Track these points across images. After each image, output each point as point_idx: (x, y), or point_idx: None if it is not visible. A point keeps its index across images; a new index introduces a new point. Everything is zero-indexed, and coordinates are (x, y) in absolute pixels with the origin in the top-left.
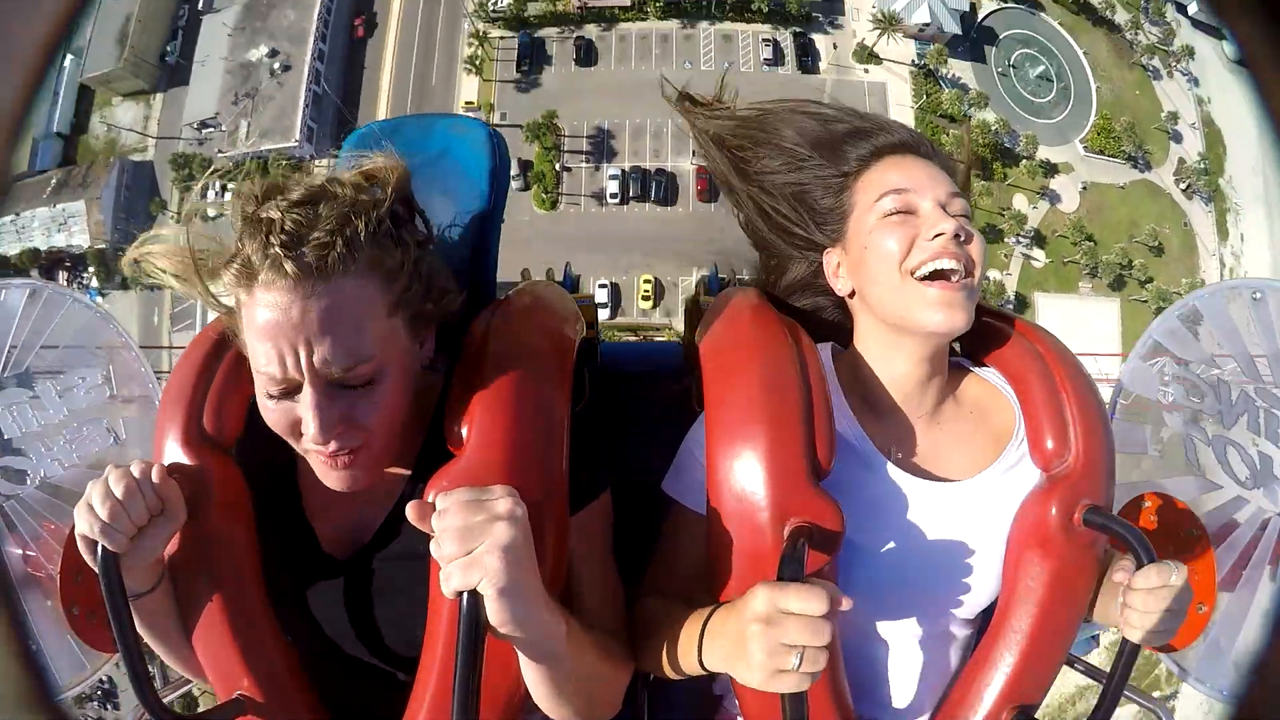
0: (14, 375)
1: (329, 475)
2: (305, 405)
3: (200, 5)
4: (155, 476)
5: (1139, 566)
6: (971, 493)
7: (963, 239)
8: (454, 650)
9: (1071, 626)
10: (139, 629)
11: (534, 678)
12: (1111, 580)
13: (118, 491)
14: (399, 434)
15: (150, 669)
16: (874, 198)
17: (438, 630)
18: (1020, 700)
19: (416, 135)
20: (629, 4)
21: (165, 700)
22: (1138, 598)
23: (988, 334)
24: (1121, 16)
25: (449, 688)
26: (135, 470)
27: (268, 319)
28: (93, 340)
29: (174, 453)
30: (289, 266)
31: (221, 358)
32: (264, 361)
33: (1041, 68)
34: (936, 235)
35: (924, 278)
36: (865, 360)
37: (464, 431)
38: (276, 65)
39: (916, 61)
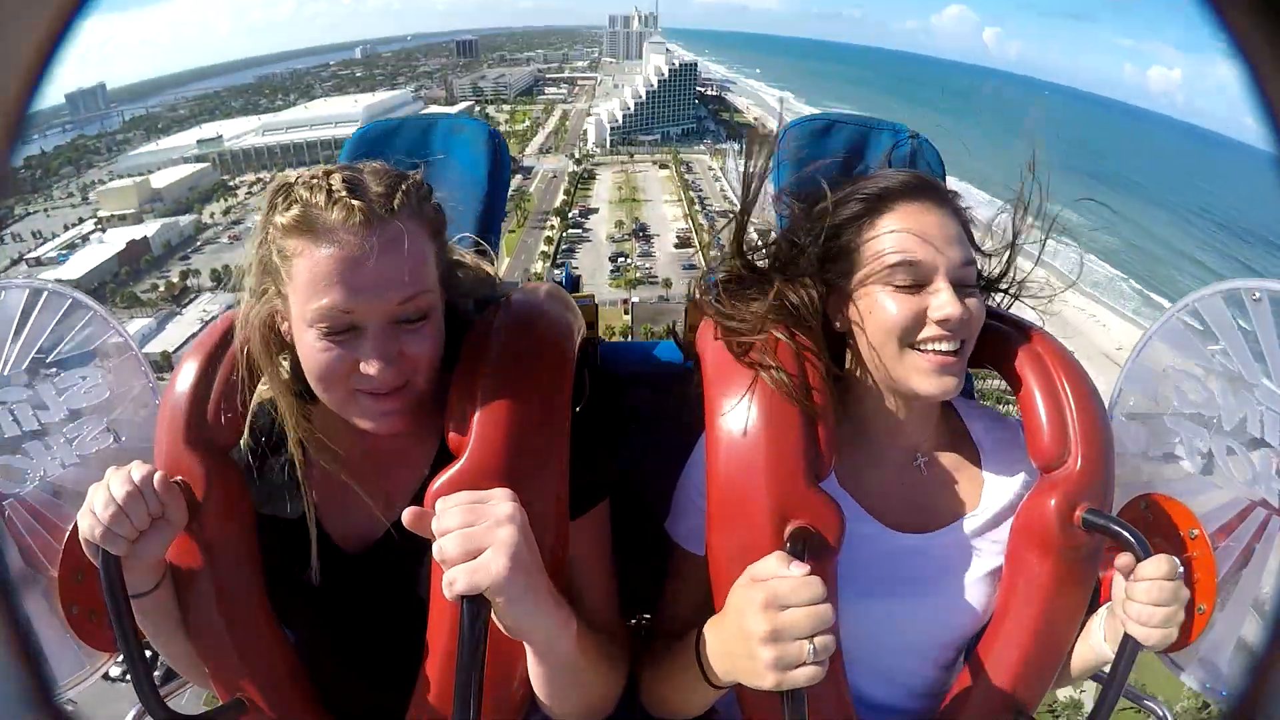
0: (14, 375)
1: (372, 416)
2: (369, 339)
3: None
4: (157, 482)
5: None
6: (947, 541)
7: (965, 319)
8: (455, 652)
9: (1070, 627)
10: (140, 628)
11: (541, 675)
12: (1089, 629)
13: (120, 497)
14: (434, 380)
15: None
16: (886, 261)
17: (439, 632)
18: (1019, 701)
19: (417, 135)
20: None
21: (166, 699)
22: (1141, 588)
23: (989, 335)
24: None
25: (450, 689)
26: (137, 475)
27: (336, 255)
28: (93, 340)
29: (175, 455)
30: (358, 205)
31: (222, 361)
32: (329, 298)
33: None
34: (943, 319)
35: (922, 345)
36: (854, 393)
37: (464, 434)
38: None
39: None
